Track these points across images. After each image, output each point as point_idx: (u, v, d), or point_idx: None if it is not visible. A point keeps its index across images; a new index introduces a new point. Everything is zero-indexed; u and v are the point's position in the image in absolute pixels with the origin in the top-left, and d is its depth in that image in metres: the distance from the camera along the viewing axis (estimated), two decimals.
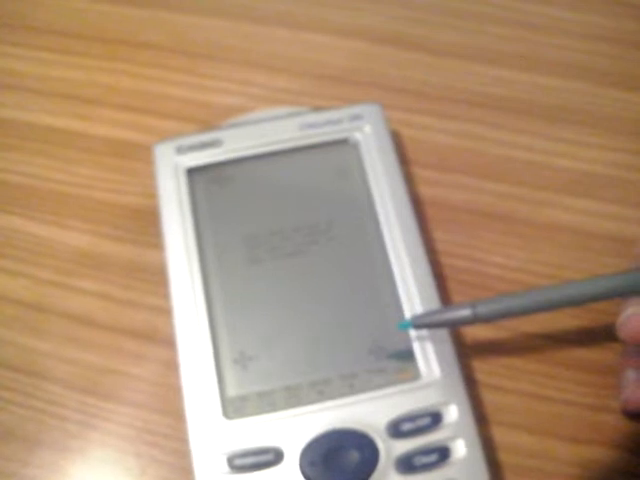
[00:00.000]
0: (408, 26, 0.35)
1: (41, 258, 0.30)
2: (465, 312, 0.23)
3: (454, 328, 0.26)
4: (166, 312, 0.26)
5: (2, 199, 0.31)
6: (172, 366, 0.25)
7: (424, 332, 0.25)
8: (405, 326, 0.24)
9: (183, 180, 0.27)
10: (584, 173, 0.31)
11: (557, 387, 0.27)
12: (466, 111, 0.33)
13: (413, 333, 0.25)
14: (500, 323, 0.27)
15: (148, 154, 0.28)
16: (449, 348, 0.25)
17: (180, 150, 0.28)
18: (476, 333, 0.27)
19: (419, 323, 0.24)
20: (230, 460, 0.23)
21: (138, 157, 0.31)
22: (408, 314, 0.25)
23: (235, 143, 0.28)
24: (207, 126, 0.29)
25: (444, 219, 0.30)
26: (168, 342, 0.25)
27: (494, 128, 0.32)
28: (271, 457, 0.23)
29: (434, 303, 0.25)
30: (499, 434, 0.26)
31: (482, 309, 0.23)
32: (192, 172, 0.28)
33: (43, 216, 0.31)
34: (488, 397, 0.26)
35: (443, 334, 0.25)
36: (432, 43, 0.35)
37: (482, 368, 0.27)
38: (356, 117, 0.28)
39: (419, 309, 0.25)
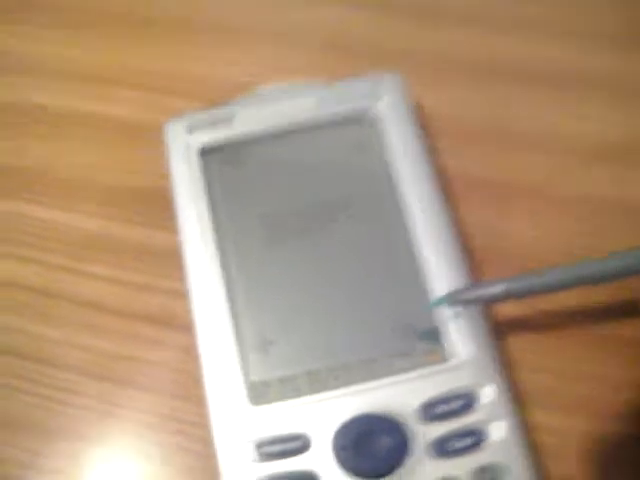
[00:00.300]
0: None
1: (51, 243, 0.28)
2: (500, 288, 0.22)
3: (487, 305, 0.25)
4: (181, 296, 0.25)
5: (10, 184, 0.30)
6: (191, 352, 0.24)
7: (454, 311, 0.24)
8: (438, 303, 0.23)
9: (195, 160, 0.26)
10: (610, 140, 0.30)
11: (593, 363, 0.26)
12: (492, 80, 0.31)
13: (442, 312, 0.24)
14: (532, 299, 0.26)
15: (157, 133, 0.27)
16: (481, 326, 0.24)
17: (191, 129, 0.27)
18: (507, 311, 0.26)
19: (454, 300, 0.23)
20: (258, 447, 0.22)
21: (147, 137, 0.29)
22: (434, 292, 0.24)
23: (248, 120, 0.27)
24: (218, 103, 0.28)
25: (471, 193, 0.28)
26: (186, 327, 0.24)
27: (521, 98, 0.31)
28: (299, 444, 0.22)
29: (461, 281, 0.24)
30: (535, 414, 0.25)
31: (517, 285, 0.22)
32: (205, 152, 0.26)
33: (52, 201, 0.29)
34: (522, 376, 0.25)
35: (474, 312, 0.24)
36: (452, 11, 0.34)
37: (515, 347, 0.26)
38: (374, 88, 0.27)
39: (446, 287, 0.24)
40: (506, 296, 0.22)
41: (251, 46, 0.33)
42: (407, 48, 0.32)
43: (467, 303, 0.23)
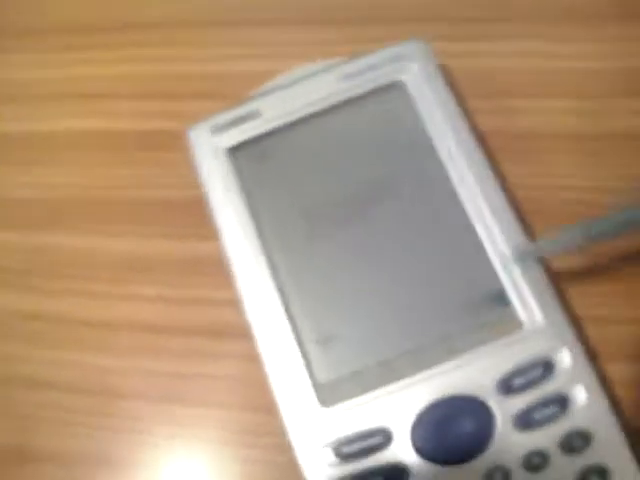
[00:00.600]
0: None
1: (93, 271, 0.28)
2: (581, 232, 0.21)
3: (570, 252, 0.23)
4: (233, 304, 0.24)
5: (39, 218, 0.29)
6: (254, 360, 0.23)
7: (522, 273, 0.22)
8: (520, 259, 0.22)
9: (225, 161, 0.25)
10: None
11: None
12: (515, 28, 0.30)
13: (508, 282, 0.22)
14: (590, 251, 0.24)
15: (179, 141, 0.26)
16: (547, 288, 0.23)
17: (216, 130, 0.26)
18: (564, 265, 0.25)
19: (535, 253, 0.22)
20: (337, 449, 0.21)
21: (170, 146, 0.29)
22: (495, 261, 0.23)
23: (273, 110, 0.26)
24: (238, 99, 0.26)
25: (511, 149, 0.27)
26: (243, 335, 0.23)
27: (548, 42, 0.29)
28: (380, 439, 0.21)
29: (521, 239, 0.23)
30: (613, 369, 0.24)
31: (597, 226, 0.21)
32: (233, 151, 0.25)
33: (86, 227, 0.29)
34: (593, 331, 0.24)
35: (538, 274, 0.23)
36: None
37: (580, 302, 0.25)
38: (399, 57, 0.26)
39: (507, 249, 0.23)
40: (588, 240, 0.21)
41: (257, 35, 0.31)
42: (421, 6, 0.31)
43: (549, 253, 0.23)
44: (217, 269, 0.25)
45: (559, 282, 0.24)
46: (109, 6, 0.33)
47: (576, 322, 0.24)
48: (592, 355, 0.24)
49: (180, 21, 0.32)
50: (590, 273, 0.25)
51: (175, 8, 0.32)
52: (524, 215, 0.25)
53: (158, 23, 0.32)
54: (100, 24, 0.33)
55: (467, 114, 0.26)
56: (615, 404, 0.23)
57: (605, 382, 0.23)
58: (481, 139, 0.26)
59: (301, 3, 0.32)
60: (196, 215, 0.26)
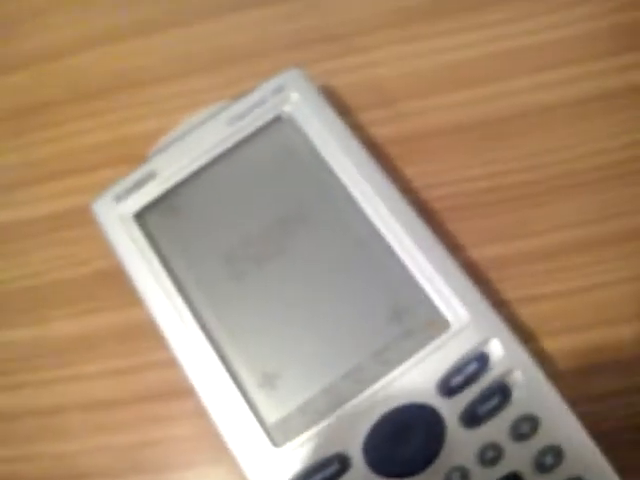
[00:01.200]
0: None
1: (38, 360, 0.28)
2: None
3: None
4: (173, 363, 0.24)
5: None
6: (204, 413, 0.23)
7: (436, 278, 0.23)
8: None
9: (134, 227, 0.25)
10: (526, 48, 0.29)
11: (588, 274, 0.25)
12: (383, 36, 0.30)
13: (427, 285, 0.23)
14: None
15: (89, 215, 0.26)
16: (466, 283, 0.23)
17: (119, 198, 0.26)
18: (480, 255, 0.26)
19: None
20: None
21: (83, 221, 0.29)
22: (411, 268, 0.23)
23: (169, 168, 0.26)
24: (139, 160, 0.27)
25: (411, 152, 0.28)
26: (190, 392, 0.24)
27: (416, 40, 0.30)
28: (337, 465, 0.22)
29: (433, 246, 0.23)
30: (551, 344, 0.24)
31: None
32: (139, 216, 0.26)
33: (22, 318, 0.29)
34: (525, 312, 0.25)
35: (455, 272, 0.23)
36: None
37: (507, 286, 0.25)
38: (278, 89, 0.26)
39: (422, 259, 0.23)
40: None
41: (141, 96, 0.32)
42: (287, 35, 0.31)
43: None
44: (153, 332, 0.25)
45: (478, 273, 0.25)
46: None
47: (505, 306, 0.25)
48: (527, 336, 0.24)
49: (65, 97, 0.32)
50: (515, 257, 0.26)
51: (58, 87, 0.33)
52: (435, 213, 0.26)
53: (46, 103, 0.32)
54: None
55: (361, 128, 0.26)
56: (558, 378, 0.23)
57: (545, 360, 0.24)
58: (380, 149, 0.27)
59: (172, 58, 0.32)
60: (121, 283, 0.26)
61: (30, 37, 0.33)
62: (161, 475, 0.26)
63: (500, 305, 0.24)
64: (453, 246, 0.26)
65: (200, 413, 0.24)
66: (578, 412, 0.21)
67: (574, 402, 0.21)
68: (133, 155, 0.28)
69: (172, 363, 0.24)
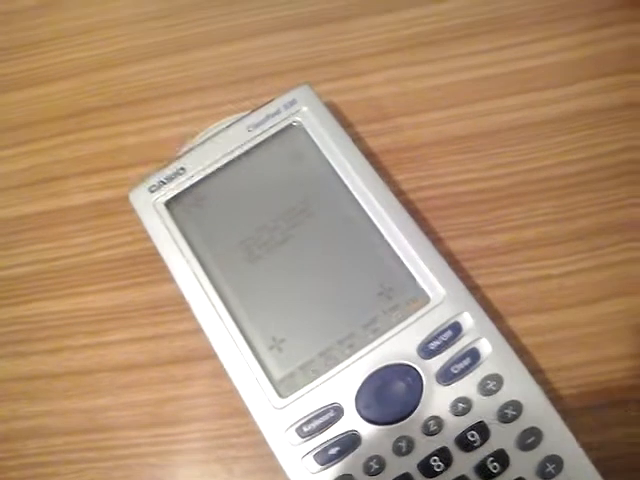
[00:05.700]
0: (289, 10, 0.38)
1: (72, 328, 0.32)
2: None
3: None
4: (197, 332, 0.27)
5: (15, 292, 0.33)
6: (219, 374, 0.27)
7: (420, 262, 0.27)
8: None
9: (165, 214, 0.30)
10: (508, 74, 0.34)
11: (549, 265, 0.30)
12: (380, 61, 0.35)
13: (411, 267, 0.27)
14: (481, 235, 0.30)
15: (127, 204, 0.30)
16: (444, 266, 0.27)
17: (152, 189, 0.30)
18: (466, 246, 0.30)
19: None
20: (299, 429, 0.25)
21: (119, 210, 0.33)
22: (400, 254, 0.27)
23: (196, 165, 0.30)
24: (168, 160, 0.31)
25: (401, 161, 0.32)
26: (208, 356, 0.27)
27: (411, 66, 0.34)
28: (332, 413, 0.26)
29: (417, 235, 0.28)
30: (515, 323, 0.29)
31: None
32: (170, 204, 0.30)
33: (61, 292, 0.33)
34: (495, 295, 0.29)
35: (436, 259, 0.27)
36: (324, 14, 0.37)
37: (479, 273, 0.30)
38: (291, 103, 0.31)
39: (408, 246, 0.27)
40: None
41: (177, 103, 0.36)
42: (301, 57, 0.36)
43: None
44: (180, 306, 0.29)
45: (454, 262, 0.30)
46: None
47: (477, 290, 0.29)
48: (495, 314, 0.28)
49: (109, 104, 0.37)
50: (489, 250, 0.30)
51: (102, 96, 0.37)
52: (421, 211, 0.30)
53: (90, 109, 0.37)
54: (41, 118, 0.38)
55: (359, 139, 0.31)
56: (523, 352, 0.28)
57: (509, 334, 0.28)
58: (375, 157, 0.31)
59: (201, 75, 0.37)
60: (148, 263, 0.31)
61: (82, 50, 0.38)
62: (178, 428, 0.29)
63: (473, 289, 0.28)
64: (435, 239, 0.30)
65: (215, 374, 0.29)
66: (537, 379, 0.25)
67: (535, 371, 0.26)
68: (164, 156, 0.32)
69: (194, 333, 0.29)
